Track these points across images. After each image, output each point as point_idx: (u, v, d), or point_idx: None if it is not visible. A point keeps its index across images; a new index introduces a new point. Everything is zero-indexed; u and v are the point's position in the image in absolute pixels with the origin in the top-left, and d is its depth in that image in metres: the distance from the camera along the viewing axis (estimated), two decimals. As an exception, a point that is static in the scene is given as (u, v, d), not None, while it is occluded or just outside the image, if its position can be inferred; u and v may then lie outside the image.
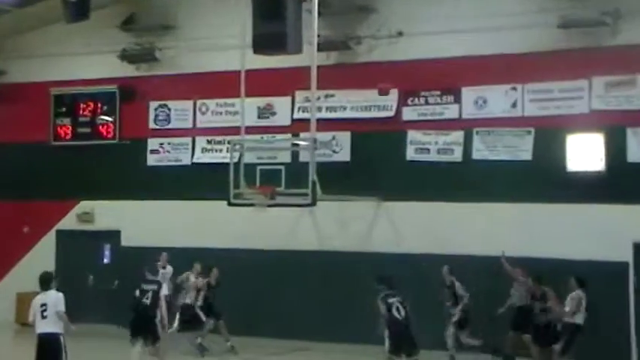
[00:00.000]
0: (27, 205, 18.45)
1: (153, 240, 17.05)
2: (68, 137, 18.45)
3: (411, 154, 15.77)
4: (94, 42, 17.79)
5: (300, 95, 16.27)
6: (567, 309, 12.56)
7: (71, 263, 17.74)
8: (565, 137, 14.49)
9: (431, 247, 14.96)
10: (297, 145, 15.88)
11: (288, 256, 15.73)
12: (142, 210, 17.54)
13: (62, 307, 9.86)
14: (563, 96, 14.70)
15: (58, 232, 18.41)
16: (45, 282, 10.05)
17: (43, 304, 9.81)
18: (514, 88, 15.02)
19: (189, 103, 17.58)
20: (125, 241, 17.76)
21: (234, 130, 15.45)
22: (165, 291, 13.54)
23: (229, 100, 16.70)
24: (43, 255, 18.29)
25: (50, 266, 18.12)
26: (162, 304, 12.69)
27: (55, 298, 9.87)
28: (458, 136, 15.41)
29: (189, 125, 17.59)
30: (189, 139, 17.57)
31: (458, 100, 15.46)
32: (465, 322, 13.82)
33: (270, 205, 14.30)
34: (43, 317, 9.78)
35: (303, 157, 15.00)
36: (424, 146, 15.66)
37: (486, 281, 14.32)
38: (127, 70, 17.90)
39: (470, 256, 14.57)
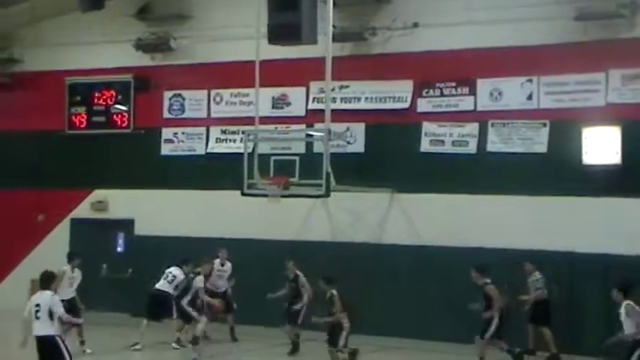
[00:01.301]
0: (41, 193, 18.53)
1: (166, 229, 17.13)
2: (83, 126, 18.51)
3: (425, 145, 15.71)
4: (109, 31, 17.81)
5: (314, 86, 16.23)
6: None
7: (85, 252, 17.77)
8: (581, 130, 14.38)
9: (444, 240, 14.93)
10: (311, 135, 15.84)
11: (300, 247, 15.73)
12: (156, 199, 17.59)
13: (59, 309, 9.60)
14: (580, 89, 14.58)
15: (73, 220, 18.49)
16: (45, 281, 9.81)
17: (37, 305, 9.54)
18: (530, 81, 14.92)
19: (203, 93, 17.59)
20: (139, 230, 17.82)
21: (249, 120, 15.44)
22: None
23: (244, 90, 16.69)
24: (57, 243, 18.37)
25: (65, 254, 18.40)
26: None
27: (49, 300, 9.58)
28: (473, 128, 15.34)
29: (204, 115, 17.61)
30: (203, 129, 17.59)
31: (473, 91, 15.38)
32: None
33: (283, 196, 14.31)
34: (37, 318, 9.51)
35: (317, 148, 14.97)
36: (439, 138, 15.60)
37: (499, 274, 14.25)
38: (142, 60, 17.92)
39: (483, 248, 14.51)
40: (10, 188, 18.68)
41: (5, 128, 18.86)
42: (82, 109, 18.48)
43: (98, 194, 18.29)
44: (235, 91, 17.09)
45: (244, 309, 14.99)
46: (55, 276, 10.24)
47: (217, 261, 14.90)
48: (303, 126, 16.43)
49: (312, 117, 16.02)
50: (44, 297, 9.63)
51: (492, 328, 12.37)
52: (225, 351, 14.39)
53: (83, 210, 18.42)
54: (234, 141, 16.92)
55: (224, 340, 14.87)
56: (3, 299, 18.32)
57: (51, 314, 9.51)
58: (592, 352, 12.95)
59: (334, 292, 11.82)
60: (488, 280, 12.58)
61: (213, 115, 17.54)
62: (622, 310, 10.03)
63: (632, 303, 10.04)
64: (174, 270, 14.13)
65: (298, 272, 13.92)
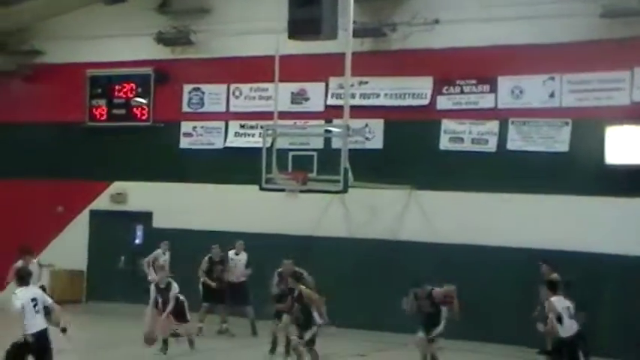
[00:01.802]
0: (61, 184, 18.64)
1: (183, 222, 17.18)
2: (103, 118, 18.58)
3: (444, 143, 15.59)
4: (130, 24, 17.87)
5: (333, 81, 16.16)
6: None
7: (104, 243, 17.94)
8: (604, 129, 14.18)
9: (463, 238, 14.82)
10: (329, 131, 15.79)
11: (317, 243, 15.68)
12: (174, 192, 17.63)
13: (49, 299, 9.51)
14: (603, 87, 14.38)
15: (92, 212, 18.59)
16: (28, 275, 9.66)
17: (34, 299, 9.28)
18: (552, 78, 14.74)
19: (222, 87, 17.58)
20: (157, 223, 17.87)
21: (267, 115, 15.43)
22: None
23: (263, 85, 16.65)
24: (76, 234, 18.55)
25: (83, 245, 18.54)
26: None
27: (41, 293, 9.49)
28: (493, 125, 15.20)
29: (223, 109, 17.60)
30: (222, 123, 17.59)
31: (494, 89, 15.23)
32: None
33: (301, 191, 14.27)
34: (37, 312, 9.25)
35: (336, 143, 14.90)
36: (458, 135, 15.48)
37: (518, 273, 14.14)
38: (162, 53, 17.95)
39: (501, 247, 14.39)
40: (31, 179, 18.81)
41: (26, 120, 18.98)
42: (102, 102, 18.54)
43: (117, 186, 18.37)
44: (254, 85, 17.06)
45: (260, 304, 14.96)
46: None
47: (232, 251, 15.09)
48: (322, 121, 16.37)
49: (331, 112, 15.94)
50: (36, 291, 9.50)
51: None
52: (245, 344, 14.39)
53: (102, 202, 18.51)
54: (253, 135, 16.91)
55: (244, 335, 14.83)
56: (22, 289, 18.55)
57: (44, 307, 9.37)
58: (612, 353, 12.78)
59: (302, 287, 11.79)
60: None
61: (232, 109, 17.53)
62: None
63: None
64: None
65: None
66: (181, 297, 13.09)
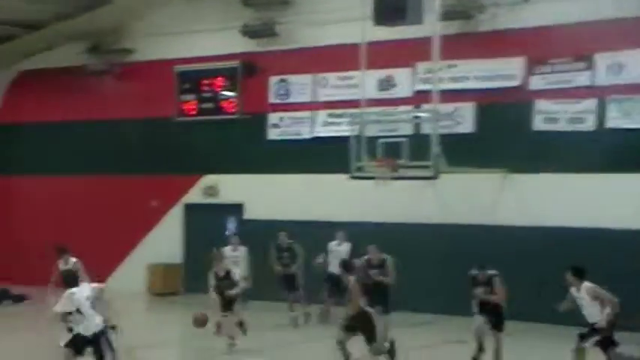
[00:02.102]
0: (154, 179, 19.07)
1: (275, 213, 17.31)
2: (192, 113, 18.87)
3: (538, 124, 15.17)
4: (216, 19, 18.10)
5: (421, 66, 15.92)
6: None
7: (198, 235, 18.25)
8: None
9: (561, 220, 14.43)
10: (418, 117, 15.58)
11: (410, 230, 15.52)
12: (264, 184, 17.79)
13: (102, 296, 9.34)
14: None
15: (185, 205, 18.94)
16: (73, 279, 9.52)
17: (88, 297, 9.16)
18: (654, 51, 14.13)
19: (308, 77, 17.59)
20: (248, 214, 18.07)
21: (355, 103, 15.35)
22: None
23: (349, 73, 16.56)
24: (170, 228, 18.94)
25: (178, 238, 18.91)
26: None
27: (92, 290, 9.32)
28: (590, 104, 14.69)
29: (309, 99, 17.62)
30: (309, 113, 17.61)
31: (590, 66, 14.71)
32: None
33: (392, 178, 14.15)
34: (92, 310, 9.12)
35: (426, 129, 14.71)
36: (553, 115, 15.04)
37: (620, 259, 13.63)
38: (249, 46, 18.09)
39: (600, 229, 13.92)
40: (125, 174, 19.33)
41: (119, 117, 19.49)
42: (191, 97, 18.82)
43: (209, 179, 18.64)
44: (341, 74, 16.99)
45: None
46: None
47: (334, 242, 14.86)
48: (411, 107, 16.18)
49: (420, 98, 15.74)
50: (89, 289, 9.35)
51: None
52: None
53: (195, 195, 18.83)
54: (341, 124, 16.83)
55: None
56: (119, 283, 19.07)
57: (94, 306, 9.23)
58: None
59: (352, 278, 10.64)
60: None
61: (318, 98, 17.52)
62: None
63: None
64: None
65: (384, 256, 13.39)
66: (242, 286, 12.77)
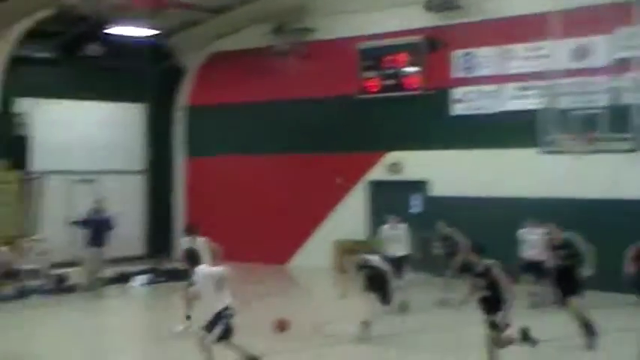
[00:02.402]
0: (338, 157, 19.34)
1: (460, 190, 17.09)
2: (375, 90, 18.91)
3: None
4: (398, -6, 17.96)
5: (619, 33, 14.91)
6: None
7: (383, 212, 18.27)
8: None
9: None
10: (617, 87, 14.63)
11: (608, 206, 14.68)
12: (449, 160, 17.53)
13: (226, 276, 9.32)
14: None
15: (369, 182, 19.09)
16: (195, 258, 9.63)
17: (213, 276, 9.25)
18: None
19: (494, 50, 17.04)
20: (433, 191, 17.92)
21: (546, 75, 14.69)
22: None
23: (539, 44, 15.88)
24: (354, 205, 19.16)
25: (362, 214, 19.05)
26: None
27: (218, 270, 9.34)
28: None
29: (496, 72, 17.09)
30: (495, 87, 17.09)
31: None
32: None
33: (587, 152, 13.45)
34: (219, 289, 9.21)
35: (625, 99, 13.79)
36: None
37: None
38: (432, 20, 17.81)
39: None
40: (310, 152, 19.75)
41: (303, 96, 19.90)
42: (373, 74, 18.86)
43: (392, 156, 18.65)
44: (529, 45, 16.32)
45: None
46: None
47: (525, 229, 14.17)
48: (607, 77, 15.24)
49: (618, 67, 14.79)
50: (220, 269, 9.39)
51: None
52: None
53: (378, 172, 18.92)
54: (530, 97, 16.20)
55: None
56: (308, 259, 19.63)
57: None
58: None
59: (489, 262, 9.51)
60: None
61: (505, 71, 16.95)
62: None
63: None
64: None
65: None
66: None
